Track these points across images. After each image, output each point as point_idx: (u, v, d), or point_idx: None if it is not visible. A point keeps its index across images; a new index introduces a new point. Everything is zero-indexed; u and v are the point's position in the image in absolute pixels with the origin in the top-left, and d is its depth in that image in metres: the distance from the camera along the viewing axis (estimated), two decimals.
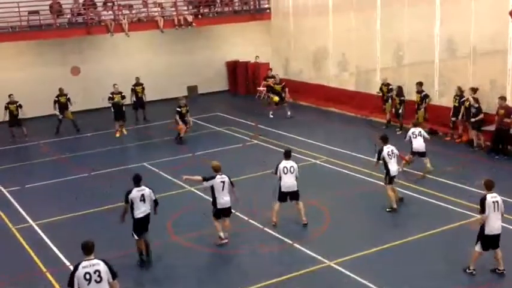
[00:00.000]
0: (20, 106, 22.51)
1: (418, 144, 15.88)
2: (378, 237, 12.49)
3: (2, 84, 24.57)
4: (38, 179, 17.83)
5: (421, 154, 16.03)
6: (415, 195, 14.88)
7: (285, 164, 13.25)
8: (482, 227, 10.65)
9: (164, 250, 12.44)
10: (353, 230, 13.11)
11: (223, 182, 12.32)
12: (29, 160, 20.10)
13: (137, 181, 11.75)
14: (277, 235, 12.92)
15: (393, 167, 14.00)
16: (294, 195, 13.38)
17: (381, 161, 14.01)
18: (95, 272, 8.61)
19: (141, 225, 11.75)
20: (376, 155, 14.10)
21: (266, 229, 13.23)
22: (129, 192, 11.66)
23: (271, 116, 24.11)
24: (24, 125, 22.78)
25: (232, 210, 12.99)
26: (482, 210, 10.57)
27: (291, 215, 13.87)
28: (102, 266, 8.68)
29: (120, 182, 17.13)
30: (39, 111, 24.20)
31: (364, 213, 14.03)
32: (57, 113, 23.09)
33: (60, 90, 23.28)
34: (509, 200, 14.02)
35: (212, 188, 12.35)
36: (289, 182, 13.17)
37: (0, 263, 12.39)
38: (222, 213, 12.55)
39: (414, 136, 15.88)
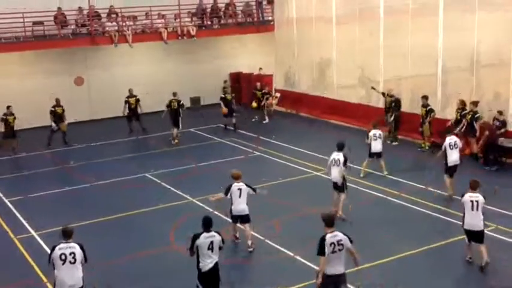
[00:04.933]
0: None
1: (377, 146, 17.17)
2: (379, 250, 12.42)
3: (5, 93, 24.64)
4: (40, 188, 17.82)
5: (379, 155, 17.33)
6: (414, 207, 14.88)
7: (334, 155, 14.00)
8: (463, 218, 11.52)
9: (165, 259, 12.43)
10: (355, 243, 13.02)
11: (240, 190, 12.59)
12: (31, 169, 20.09)
13: (208, 226, 9.77)
14: (278, 247, 12.86)
15: (451, 157, 14.94)
16: (337, 187, 14.12)
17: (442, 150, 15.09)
18: (70, 254, 9.17)
19: (208, 280, 9.71)
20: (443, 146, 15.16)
21: (267, 241, 13.19)
22: (197, 237, 9.70)
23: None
24: (20, 136, 22.43)
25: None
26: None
27: (293, 225, 13.86)
28: (77, 250, 9.25)
29: (123, 192, 17.23)
30: (43, 121, 24.17)
31: (365, 225, 13.93)
32: (53, 124, 22.87)
33: (57, 100, 23.05)
34: (508, 212, 14.05)
35: (231, 195, 12.65)
36: (334, 173, 14.00)
37: (2, 273, 12.36)
38: (238, 220, 12.86)
39: (375, 138, 17.10)
